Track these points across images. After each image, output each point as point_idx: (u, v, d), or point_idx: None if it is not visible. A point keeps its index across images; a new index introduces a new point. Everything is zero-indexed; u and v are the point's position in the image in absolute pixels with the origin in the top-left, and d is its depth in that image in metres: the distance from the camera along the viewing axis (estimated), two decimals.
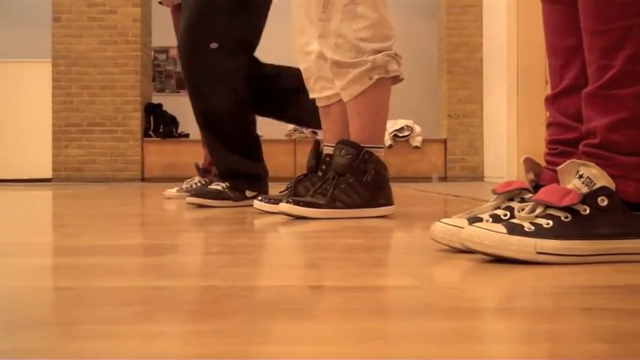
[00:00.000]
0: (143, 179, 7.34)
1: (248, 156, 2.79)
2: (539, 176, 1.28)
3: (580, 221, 1.09)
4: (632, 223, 1.11)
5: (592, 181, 1.11)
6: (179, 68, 2.86)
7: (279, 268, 1.18)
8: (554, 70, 1.33)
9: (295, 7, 2.34)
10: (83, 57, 7.35)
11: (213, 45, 2.68)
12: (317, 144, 2.26)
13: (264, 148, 2.90)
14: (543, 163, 1.32)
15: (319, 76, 2.28)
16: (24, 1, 8.73)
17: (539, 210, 1.11)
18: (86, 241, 1.58)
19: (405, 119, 7.41)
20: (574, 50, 1.26)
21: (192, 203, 2.66)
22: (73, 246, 1.48)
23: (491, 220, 1.19)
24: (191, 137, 7.28)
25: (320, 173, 2.18)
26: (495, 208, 1.23)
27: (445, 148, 7.55)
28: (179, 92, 8.79)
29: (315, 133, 6.82)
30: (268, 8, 2.82)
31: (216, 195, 2.69)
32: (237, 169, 2.77)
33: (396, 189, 2.29)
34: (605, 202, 1.10)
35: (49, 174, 7.32)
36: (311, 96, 2.34)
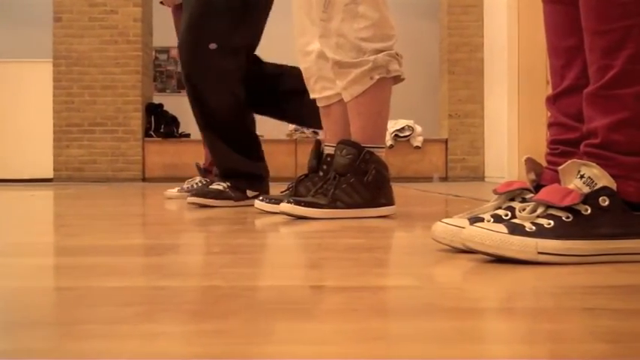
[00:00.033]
0: (144, 179, 7.34)
1: (249, 156, 2.79)
2: (541, 176, 1.28)
3: (581, 221, 1.09)
4: (632, 223, 1.11)
5: (593, 181, 1.11)
6: (180, 68, 2.86)
7: (280, 268, 1.18)
8: (555, 70, 1.33)
9: (296, 7, 2.34)
10: (84, 57, 7.36)
11: (212, 45, 2.68)
12: (318, 144, 2.26)
13: (265, 148, 2.90)
14: (544, 163, 1.32)
15: (319, 76, 2.28)
16: (25, 1, 8.75)
17: (540, 210, 1.11)
18: (87, 241, 1.58)
19: (406, 119, 7.41)
20: (575, 50, 1.26)
21: (194, 203, 2.66)
22: (73, 246, 1.48)
23: (492, 220, 1.19)
24: (192, 137, 7.28)
25: (321, 173, 2.18)
26: (496, 208, 1.23)
27: (446, 148, 7.55)
28: (180, 92, 8.79)
29: (316, 133, 6.82)
30: (269, 9, 2.82)
31: (218, 195, 2.69)
32: (238, 169, 2.77)
33: (397, 189, 2.29)
34: (607, 202, 1.10)
35: (50, 174, 7.33)
36: (311, 96, 2.33)
